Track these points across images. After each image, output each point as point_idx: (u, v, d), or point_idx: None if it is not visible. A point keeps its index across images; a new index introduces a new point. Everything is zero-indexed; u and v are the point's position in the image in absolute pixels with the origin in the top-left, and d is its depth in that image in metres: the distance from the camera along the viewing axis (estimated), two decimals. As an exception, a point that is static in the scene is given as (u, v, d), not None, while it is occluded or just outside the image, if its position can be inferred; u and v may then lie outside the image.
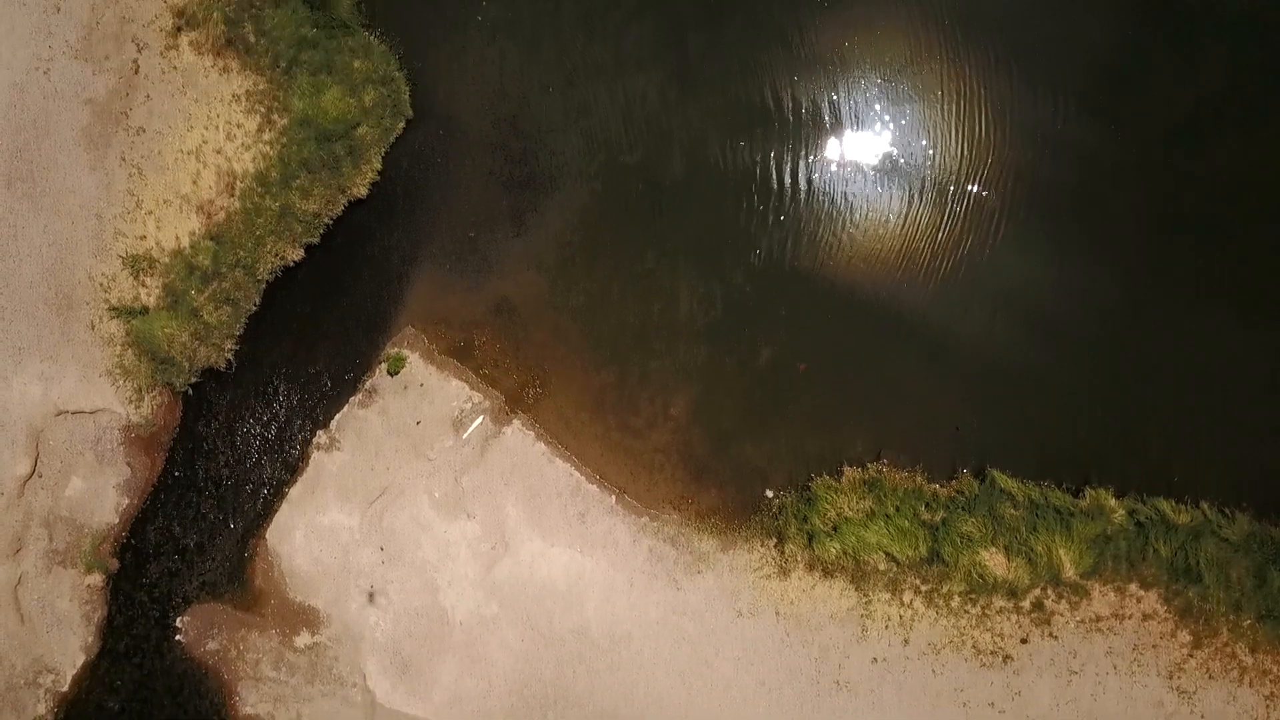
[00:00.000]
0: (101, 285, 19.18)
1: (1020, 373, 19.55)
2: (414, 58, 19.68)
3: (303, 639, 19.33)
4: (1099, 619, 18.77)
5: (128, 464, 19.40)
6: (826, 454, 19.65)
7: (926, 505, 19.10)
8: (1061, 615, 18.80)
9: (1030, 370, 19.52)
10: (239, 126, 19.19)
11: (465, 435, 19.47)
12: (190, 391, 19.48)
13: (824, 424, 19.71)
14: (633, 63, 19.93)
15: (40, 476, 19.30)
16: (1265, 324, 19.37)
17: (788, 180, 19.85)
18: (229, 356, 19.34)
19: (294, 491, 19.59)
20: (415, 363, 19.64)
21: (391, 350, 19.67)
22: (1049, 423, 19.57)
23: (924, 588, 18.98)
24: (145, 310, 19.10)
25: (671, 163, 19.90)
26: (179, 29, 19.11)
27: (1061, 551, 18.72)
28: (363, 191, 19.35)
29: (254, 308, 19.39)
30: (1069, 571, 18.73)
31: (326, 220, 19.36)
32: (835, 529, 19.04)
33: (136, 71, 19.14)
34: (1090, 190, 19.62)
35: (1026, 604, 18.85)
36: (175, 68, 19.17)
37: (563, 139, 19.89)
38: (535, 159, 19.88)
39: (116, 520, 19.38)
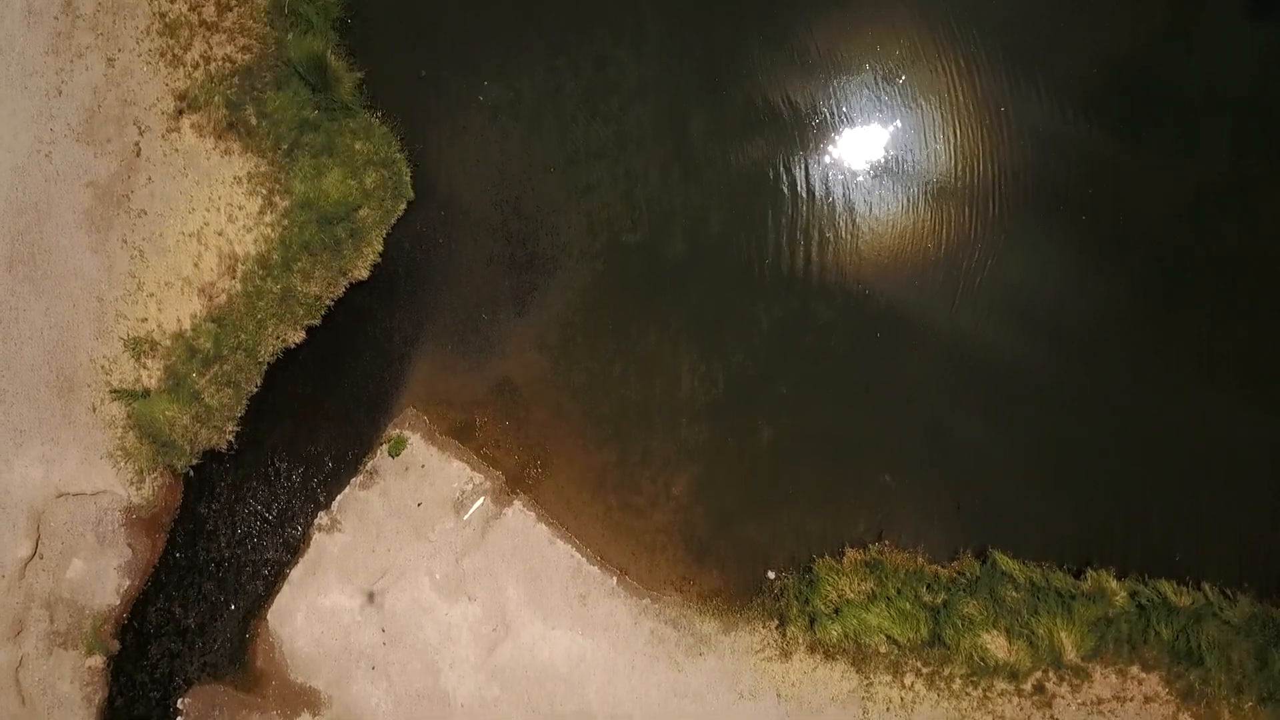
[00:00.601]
0: (103, 368, 19.24)
1: (1022, 451, 19.62)
2: (415, 139, 19.76)
3: (304, 720, 19.39)
4: (1101, 701, 18.82)
5: (129, 545, 19.45)
6: (828, 534, 19.71)
7: (928, 587, 19.15)
8: (1063, 698, 18.85)
9: (1032, 449, 19.60)
10: (240, 209, 19.27)
11: (466, 517, 19.54)
12: (191, 473, 19.52)
13: (826, 503, 19.76)
14: (634, 143, 20.01)
15: (41, 558, 19.37)
16: (1267, 404, 19.45)
17: (789, 259, 19.92)
18: (230, 438, 19.39)
19: (295, 573, 19.65)
20: (416, 444, 19.71)
21: (393, 432, 19.73)
22: (1050, 501, 19.62)
23: (925, 670, 19.03)
24: (146, 393, 19.17)
25: (673, 242, 19.99)
26: (180, 112, 19.19)
27: (1063, 634, 18.77)
28: (364, 274, 19.43)
29: (255, 389, 19.43)
30: (1070, 654, 18.78)
31: (328, 302, 19.42)
32: (837, 611, 19.09)
33: (138, 154, 19.22)
34: (1093, 272, 19.71)
35: (1028, 686, 18.90)
36: (177, 150, 19.25)
37: (564, 219, 19.97)
38: (537, 239, 19.96)
39: (118, 601, 19.43)
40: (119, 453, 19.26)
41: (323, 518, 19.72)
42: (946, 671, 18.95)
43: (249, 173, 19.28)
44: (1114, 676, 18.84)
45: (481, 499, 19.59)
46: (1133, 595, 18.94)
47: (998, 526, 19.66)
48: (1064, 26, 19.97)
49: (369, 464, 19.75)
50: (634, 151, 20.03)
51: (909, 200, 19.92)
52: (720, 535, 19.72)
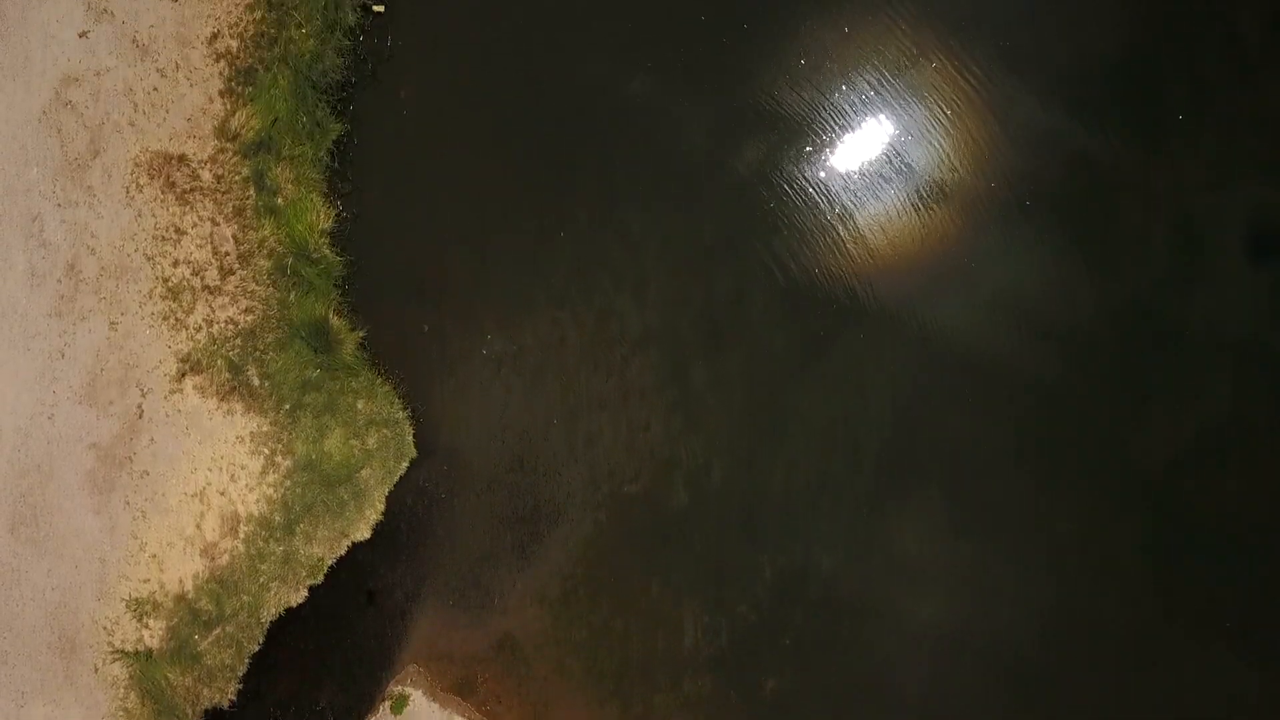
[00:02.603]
0: (105, 629, 19.49)
1: (1023, 703, 19.92)
2: (418, 395, 20.06)
3: None
4: None
5: (130, 802, 19.67)
6: (829, 791, 20.04)
7: (930, 845, 19.45)
8: None
9: (1035, 702, 19.90)
10: (243, 468, 19.54)
11: (468, 774, 19.83)
12: (194, 731, 19.78)
13: (827, 757, 20.09)
14: (637, 394, 20.31)
15: (43, 816, 19.59)
16: (1269, 661, 19.74)
17: (792, 510, 20.22)
18: (232, 697, 19.61)
19: (297, 831, 19.93)
20: (419, 701, 19.99)
21: (395, 688, 20.01)
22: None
23: None
24: (149, 653, 19.41)
25: (675, 492, 20.28)
26: (183, 374, 19.46)
27: None
28: (366, 534, 19.68)
29: (257, 647, 19.65)
30: None
31: (330, 562, 19.66)
32: None
33: (140, 416, 19.48)
34: (1094, 524, 20.01)
35: None
36: (179, 411, 19.52)
37: (566, 471, 20.26)
38: (539, 491, 20.25)
39: None
40: (121, 713, 19.49)
41: (325, 775, 20.02)
42: None
43: (251, 433, 19.55)
44: None
45: (484, 757, 19.88)
46: None
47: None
48: (1064, 276, 20.30)
49: (371, 721, 20.08)
50: (636, 402, 20.32)
51: (917, 439, 20.24)
52: (722, 792, 20.04)
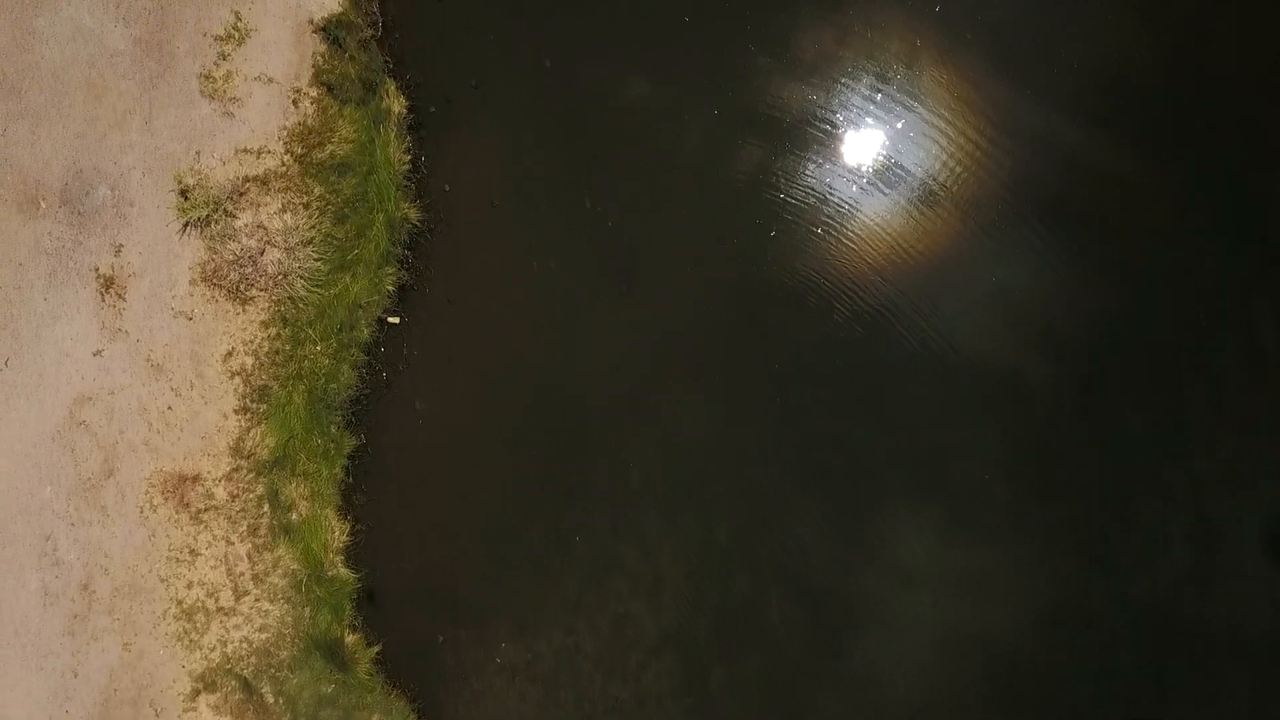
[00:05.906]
0: None
1: None
2: (433, 708, 20.33)
3: None
4: None
5: None
6: None
7: None
8: None
9: None
10: (257, 786, 19.82)
11: None
12: None
13: None
14: (653, 700, 20.58)
15: None
16: None
17: (809, 810, 20.54)
18: None
19: None
20: None
21: None
22: None
23: None
24: None
25: (692, 800, 20.57)
26: (197, 693, 19.75)
27: None
28: (383, 847, 20.00)
29: None
30: None
31: None
32: None
33: (154, 735, 19.77)
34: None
35: None
36: (193, 730, 19.81)
37: (582, 782, 20.55)
38: (553, 803, 20.53)
39: None
40: None
41: None
42: None
43: (265, 749, 19.84)
44: None
45: None
46: None
47: None
48: (1081, 589, 20.62)
49: None
50: (653, 708, 20.59)
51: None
52: None
